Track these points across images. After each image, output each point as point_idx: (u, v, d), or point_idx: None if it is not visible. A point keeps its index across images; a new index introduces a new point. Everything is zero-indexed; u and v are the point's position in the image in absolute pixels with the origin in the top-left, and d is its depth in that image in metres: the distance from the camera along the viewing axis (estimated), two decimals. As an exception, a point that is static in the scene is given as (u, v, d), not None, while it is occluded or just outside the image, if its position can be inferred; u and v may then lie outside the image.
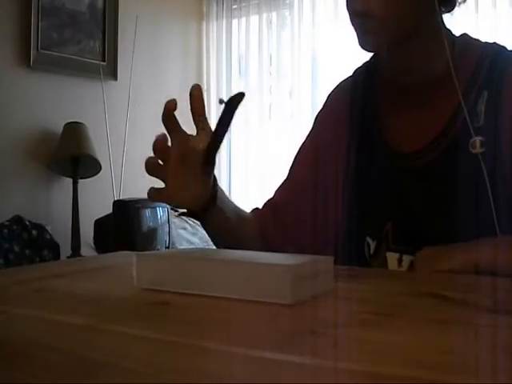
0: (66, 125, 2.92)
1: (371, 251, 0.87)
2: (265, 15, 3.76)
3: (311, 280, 0.53)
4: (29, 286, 0.61)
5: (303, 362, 0.35)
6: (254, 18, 3.79)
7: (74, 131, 2.90)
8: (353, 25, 0.84)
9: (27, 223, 2.67)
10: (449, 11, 0.83)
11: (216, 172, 3.11)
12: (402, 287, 0.62)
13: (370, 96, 0.94)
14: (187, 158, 0.75)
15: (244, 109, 3.81)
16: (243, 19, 3.82)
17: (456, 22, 0.93)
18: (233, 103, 0.73)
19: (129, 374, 0.33)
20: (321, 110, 1.04)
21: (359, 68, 1.00)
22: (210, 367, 0.34)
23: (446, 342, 0.39)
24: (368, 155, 0.91)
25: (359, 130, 0.93)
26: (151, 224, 2.94)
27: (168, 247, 3.00)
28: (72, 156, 2.87)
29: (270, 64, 3.79)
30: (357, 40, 0.85)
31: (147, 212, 2.93)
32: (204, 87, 3.98)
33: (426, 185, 0.83)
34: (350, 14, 0.83)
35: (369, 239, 0.88)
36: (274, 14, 3.74)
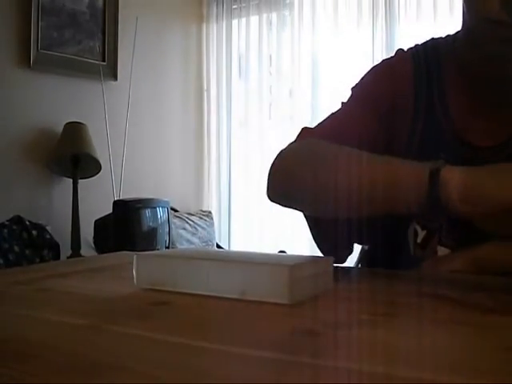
0: (66, 125, 2.92)
1: (418, 240, 0.85)
2: (265, 16, 3.76)
3: (310, 280, 0.53)
4: (29, 286, 0.61)
5: (302, 362, 0.35)
6: (254, 19, 3.78)
7: (74, 131, 2.90)
8: (491, 33, 0.75)
9: (27, 223, 2.67)
10: None
11: (216, 172, 3.15)
12: (402, 287, 0.62)
13: (436, 82, 0.89)
14: None
15: (244, 109, 3.82)
16: (243, 20, 3.82)
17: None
18: None
19: (129, 374, 0.33)
20: (373, 80, 0.93)
21: (414, 48, 0.94)
22: (210, 367, 0.34)
23: (446, 342, 0.39)
24: (432, 141, 0.86)
25: (423, 115, 0.88)
26: (151, 224, 2.94)
27: (168, 247, 3.00)
28: (72, 156, 2.87)
29: (270, 64, 3.79)
30: (482, 47, 0.77)
31: (147, 212, 2.93)
32: (204, 87, 3.98)
33: None
34: (491, 23, 0.74)
35: (417, 227, 0.85)
36: (273, 15, 3.74)
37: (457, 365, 0.34)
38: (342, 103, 0.92)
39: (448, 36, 0.94)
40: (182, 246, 3.20)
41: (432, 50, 0.93)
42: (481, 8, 0.74)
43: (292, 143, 0.85)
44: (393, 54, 0.97)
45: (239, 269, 0.53)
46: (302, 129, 0.88)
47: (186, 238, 3.30)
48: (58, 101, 3.00)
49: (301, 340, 0.40)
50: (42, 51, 2.92)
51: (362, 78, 0.94)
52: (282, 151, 0.83)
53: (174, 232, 3.14)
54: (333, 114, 0.91)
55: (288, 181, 0.78)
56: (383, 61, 0.96)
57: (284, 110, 3.71)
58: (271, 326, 0.44)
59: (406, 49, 0.96)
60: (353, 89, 0.94)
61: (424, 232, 0.84)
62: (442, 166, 0.62)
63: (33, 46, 2.87)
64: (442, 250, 0.82)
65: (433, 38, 0.95)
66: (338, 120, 0.88)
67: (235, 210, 3.80)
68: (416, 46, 0.96)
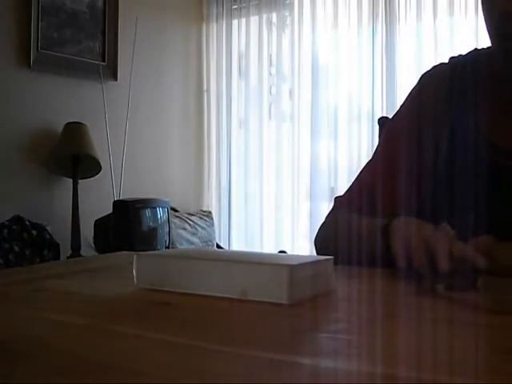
0: (66, 125, 2.92)
1: None
2: (265, 16, 3.76)
3: (311, 280, 0.53)
4: (29, 286, 0.61)
5: (302, 362, 0.35)
6: (254, 19, 3.78)
7: (75, 131, 2.90)
8: (500, 46, 0.79)
9: (27, 223, 2.67)
10: None
11: (216, 172, 3.15)
12: (402, 287, 0.62)
13: (470, 90, 0.92)
14: None
15: (244, 109, 3.82)
16: (243, 20, 3.82)
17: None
18: None
19: (129, 374, 0.33)
20: (415, 92, 1.00)
21: (455, 58, 0.97)
22: (209, 367, 0.34)
23: (445, 342, 0.39)
24: (463, 146, 0.89)
25: (455, 119, 0.92)
26: (151, 224, 2.94)
27: (168, 247, 3.00)
28: (72, 156, 2.87)
29: (270, 64, 3.79)
30: (502, 61, 0.81)
31: (147, 212, 2.93)
32: (204, 87, 3.98)
33: None
34: (499, 36, 0.78)
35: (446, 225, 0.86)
36: (274, 15, 3.74)
37: (457, 365, 0.34)
38: (377, 147, 1.04)
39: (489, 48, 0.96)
40: (181, 246, 3.20)
41: (473, 61, 0.95)
42: (489, 24, 0.80)
43: (327, 216, 1.05)
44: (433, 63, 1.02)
45: (239, 269, 0.53)
46: (335, 199, 1.05)
47: (185, 238, 3.30)
48: (58, 101, 3.00)
49: (301, 340, 0.40)
50: (42, 51, 2.92)
51: (400, 107, 1.03)
52: (322, 224, 1.04)
53: (174, 232, 3.14)
54: (364, 167, 1.04)
55: (323, 248, 1.00)
56: (423, 75, 1.02)
57: (284, 111, 3.71)
58: (271, 326, 0.44)
59: (448, 60, 1.00)
60: (387, 125, 1.04)
61: (452, 232, 0.85)
62: (392, 221, 0.76)
63: (33, 46, 2.87)
64: None
65: (476, 49, 0.97)
66: (365, 180, 1.01)
67: (235, 210, 3.80)
68: (458, 56, 0.99)
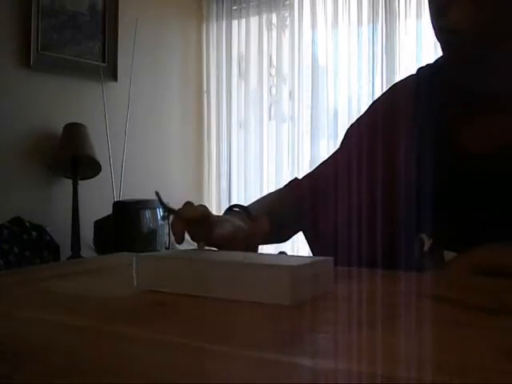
0: (66, 126, 2.92)
1: (425, 248, 0.86)
2: (265, 16, 3.76)
3: (311, 281, 0.53)
4: (29, 287, 0.61)
5: (303, 363, 0.35)
6: (254, 19, 3.79)
7: (74, 132, 2.90)
8: (439, 38, 0.82)
9: (27, 224, 2.67)
10: None
11: (216, 173, 3.14)
12: (402, 288, 0.62)
13: (438, 97, 0.93)
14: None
15: (244, 110, 3.82)
16: (243, 20, 3.83)
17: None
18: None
19: (128, 375, 0.33)
20: (381, 101, 1.02)
21: (423, 67, 0.99)
22: (210, 368, 0.34)
23: (446, 343, 0.39)
24: (432, 152, 0.89)
25: (425, 127, 0.92)
26: (151, 225, 2.94)
27: (168, 248, 3.00)
28: (72, 157, 2.87)
29: (270, 65, 3.79)
30: (443, 53, 0.83)
31: (147, 213, 2.93)
32: (204, 88, 3.98)
33: (496, 188, 0.83)
34: (437, 29, 0.81)
35: (423, 236, 0.87)
36: (273, 15, 3.74)
37: (457, 366, 0.34)
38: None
39: None
40: (181, 247, 3.19)
41: (439, 68, 0.96)
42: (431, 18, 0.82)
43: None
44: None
45: (240, 270, 0.52)
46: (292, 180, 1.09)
47: (185, 239, 3.30)
48: (58, 102, 3.00)
49: (301, 341, 0.40)
50: (42, 52, 2.92)
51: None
52: None
53: (173, 233, 3.14)
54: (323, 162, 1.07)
55: None
56: (392, 86, 1.04)
57: (284, 111, 3.71)
58: (272, 327, 0.44)
59: (416, 70, 1.01)
60: (371, 107, 1.04)
61: (431, 240, 0.86)
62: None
63: (33, 47, 2.87)
64: (449, 255, 0.83)
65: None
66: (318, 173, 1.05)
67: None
68: (425, 66, 0.99)
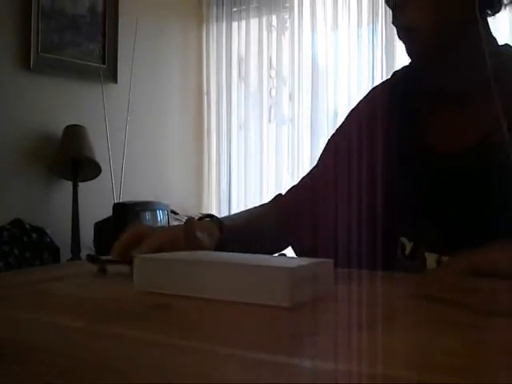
0: (66, 128, 2.92)
1: (407, 252, 0.87)
2: (265, 18, 3.76)
3: (311, 283, 0.53)
4: (29, 289, 0.61)
5: (302, 365, 0.35)
6: (254, 21, 3.79)
7: (74, 134, 2.91)
8: (400, 37, 0.85)
9: (27, 226, 2.67)
10: (493, 14, 0.84)
11: (215, 175, 3.15)
12: (401, 290, 0.62)
13: (411, 99, 0.94)
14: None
15: (244, 112, 3.82)
16: (243, 22, 3.83)
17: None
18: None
19: (128, 377, 0.33)
20: (358, 108, 1.03)
21: (398, 71, 1.00)
22: (209, 369, 0.34)
23: (444, 345, 0.39)
24: (408, 155, 0.91)
25: (399, 130, 0.93)
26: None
27: (168, 250, 3.00)
28: (72, 159, 2.87)
29: (270, 67, 3.79)
30: (405, 50, 0.86)
31: (147, 215, 2.93)
32: (204, 90, 3.98)
33: (467, 187, 0.83)
34: (396, 27, 0.84)
35: (404, 240, 0.87)
36: (273, 17, 3.74)
37: (455, 367, 0.34)
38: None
39: None
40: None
41: (413, 70, 0.97)
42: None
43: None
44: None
45: (239, 271, 0.52)
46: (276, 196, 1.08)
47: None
48: (57, 104, 3.00)
49: (301, 342, 0.40)
50: (42, 54, 2.92)
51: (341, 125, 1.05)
52: None
53: (173, 235, 3.14)
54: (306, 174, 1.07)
55: None
56: (369, 92, 1.04)
57: (284, 113, 3.71)
58: (271, 329, 0.44)
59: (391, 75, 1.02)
60: (350, 114, 1.04)
61: (411, 243, 0.86)
62: None
63: (33, 49, 2.88)
64: (430, 257, 0.84)
65: None
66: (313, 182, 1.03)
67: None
68: (401, 68, 1.00)
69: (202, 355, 0.37)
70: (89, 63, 3.14)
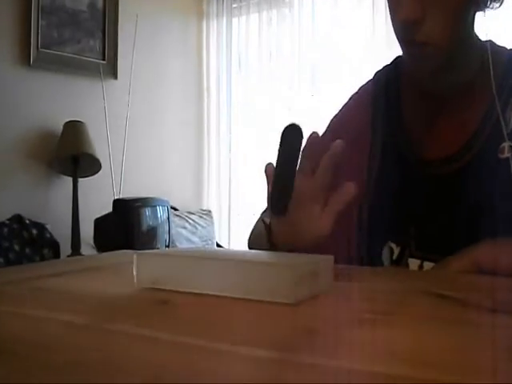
0: (65, 123, 2.92)
1: (394, 257, 0.87)
2: (265, 13, 3.76)
3: (312, 279, 0.53)
4: (28, 285, 0.61)
5: (303, 362, 0.35)
6: (254, 17, 3.79)
7: (74, 130, 2.90)
8: (410, 53, 0.81)
9: (27, 222, 2.67)
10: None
11: (216, 171, 3.15)
12: (403, 286, 0.62)
13: (394, 101, 0.93)
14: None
15: (244, 107, 3.81)
16: (243, 17, 3.82)
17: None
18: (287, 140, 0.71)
19: (128, 374, 0.33)
20: (342, 113, 1.03)
21: (379, 71, 0.99)
22: (210, 366, 0.34)
23: (446, 342, 0.39)
24: (392, 160, 0.90)
25: (383, 135, 0.93)
26: (151, 223, 2.94)
27: (168, 246, 3.00)
28: (72, 155, 2.87)
29: (270, 62, 3.79)
30: (410, 65, 0.84)
31: (147, 211, 2.93)
32: (204, 85, 3.98)
33: (452, 192, 0.83)
34: (403, 42, 0.81)
35: (392, 244, 0.87)
36: (274, 12, 3.74)
37: (457, 364, 0.34)
38: None
39: None
40: (181, 244, 3.20)
41: (395, 68, 0.96)
42: (394, 29, 0.82)
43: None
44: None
45: (240, 268, 0.52)
46: None
47: (185, 237, 3.30)
48: (57, 99, 3.00)
49: (302, 339, 0.40)
50: (42, 50, 2.92)
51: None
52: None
53: (173, 231, 3.14)
54: None
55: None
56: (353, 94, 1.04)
57: (284, 108, 3.70)
58: (272, 326, 0.44)
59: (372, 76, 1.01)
60: (333, 120, 1.06)
61: (399, 248, 0.86)
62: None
63: (33, 45, 2.87)
64: (412, 262, 0.84)
65: (398, 56, 0.97)
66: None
67: (235, 209, 3.80)
68: (382, 68, 0.99)
69: (203, 352, 0.37)
70: (89, 59, 3.14)
